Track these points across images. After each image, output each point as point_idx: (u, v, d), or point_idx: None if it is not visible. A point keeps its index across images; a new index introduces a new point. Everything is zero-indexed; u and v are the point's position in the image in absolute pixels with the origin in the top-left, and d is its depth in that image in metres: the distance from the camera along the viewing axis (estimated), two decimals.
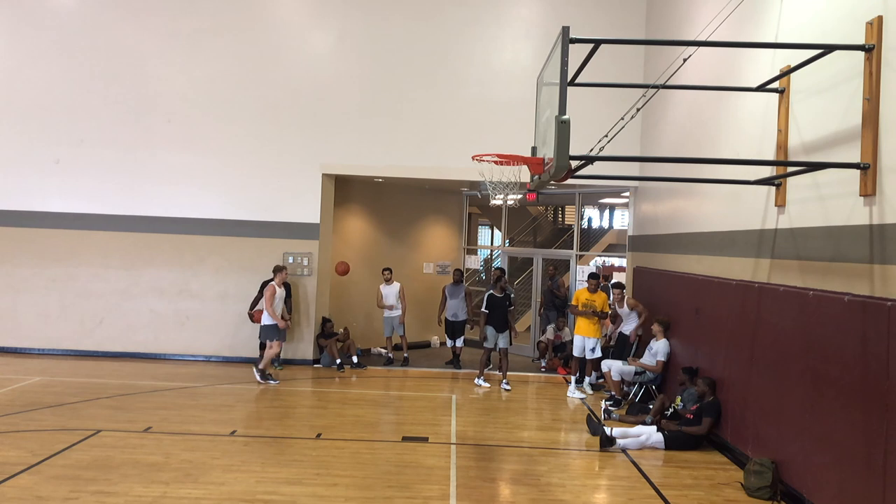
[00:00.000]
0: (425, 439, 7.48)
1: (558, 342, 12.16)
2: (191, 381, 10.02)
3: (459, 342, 12.04)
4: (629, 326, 10.00)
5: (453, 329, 12.07)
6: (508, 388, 10.23)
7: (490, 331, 10.53)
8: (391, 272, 12.17)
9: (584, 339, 10.16)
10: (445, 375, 11.26)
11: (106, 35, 11.65)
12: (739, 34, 7.21)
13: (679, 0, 9.70)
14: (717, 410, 7.31)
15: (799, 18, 6.14)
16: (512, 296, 11.07)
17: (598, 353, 10.04)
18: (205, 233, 11.63)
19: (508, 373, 10.59)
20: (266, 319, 10.09)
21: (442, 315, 12.16)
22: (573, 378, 10.68)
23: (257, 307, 10.78)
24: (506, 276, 12.22)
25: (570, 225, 20.29)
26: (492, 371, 11.18)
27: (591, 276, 10.52)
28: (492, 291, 10.68)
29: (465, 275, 11.97)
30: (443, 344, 12.42)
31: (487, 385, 10.40)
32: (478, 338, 11.91)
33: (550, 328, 12.27)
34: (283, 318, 10.36)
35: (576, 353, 10.25)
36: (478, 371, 10.69)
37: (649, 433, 7.43)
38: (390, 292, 12.06)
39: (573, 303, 10.54)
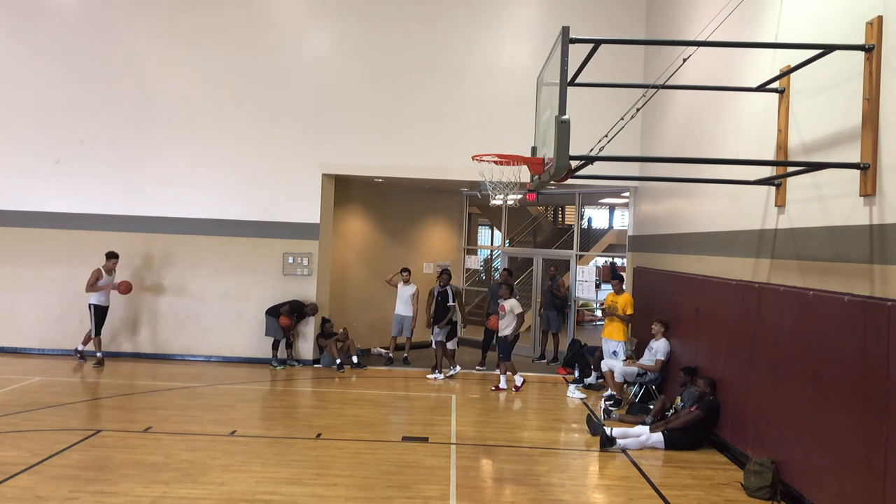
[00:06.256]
0: (425, 439, 7.47)
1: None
2: (191, 381, 10.02)
3: (451, 344, 11.92)
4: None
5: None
6: (439, 376, 10.89)
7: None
8: (409, 273, 12.20)
9: (608, 342, 10.01)
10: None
11: (106, 35, 11.64)
12: (739, 34, 7.21)
13: (679, 0, 9.70)
14: (713, 409, 7.32)
15: (799, 19, 6.14)
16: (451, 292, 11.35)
17: (622, 357, 9.65)
18: (205, 233, 11.62)
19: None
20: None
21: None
22: (573, 377, 10.69)
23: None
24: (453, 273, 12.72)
25: (570, 225, 20.29)
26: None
27: (615, 277, 10.51)
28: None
29: (451, 276, 11.88)
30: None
31: (441, 377, 10.89)
32: (479, 338, 11.93)
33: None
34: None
35: (603, 366, 9.53)
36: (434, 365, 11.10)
37: (649, 433, 7.43)
38: (406, 293, 12.07)
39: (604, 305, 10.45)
